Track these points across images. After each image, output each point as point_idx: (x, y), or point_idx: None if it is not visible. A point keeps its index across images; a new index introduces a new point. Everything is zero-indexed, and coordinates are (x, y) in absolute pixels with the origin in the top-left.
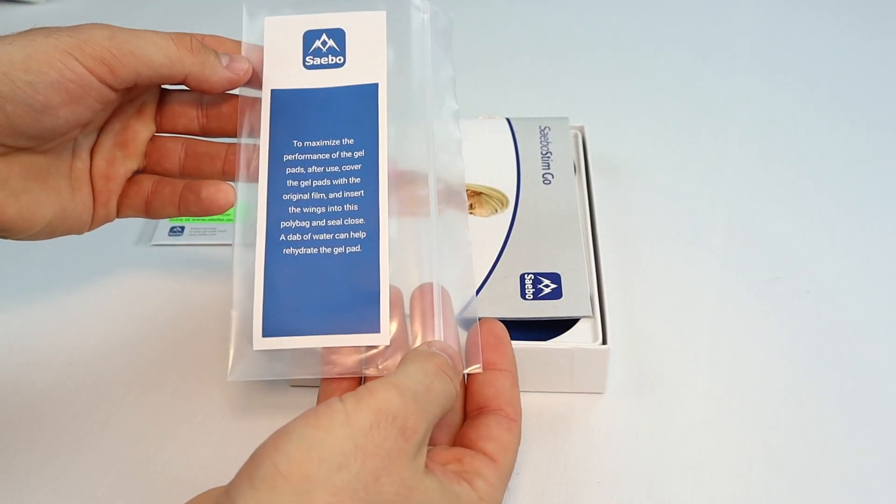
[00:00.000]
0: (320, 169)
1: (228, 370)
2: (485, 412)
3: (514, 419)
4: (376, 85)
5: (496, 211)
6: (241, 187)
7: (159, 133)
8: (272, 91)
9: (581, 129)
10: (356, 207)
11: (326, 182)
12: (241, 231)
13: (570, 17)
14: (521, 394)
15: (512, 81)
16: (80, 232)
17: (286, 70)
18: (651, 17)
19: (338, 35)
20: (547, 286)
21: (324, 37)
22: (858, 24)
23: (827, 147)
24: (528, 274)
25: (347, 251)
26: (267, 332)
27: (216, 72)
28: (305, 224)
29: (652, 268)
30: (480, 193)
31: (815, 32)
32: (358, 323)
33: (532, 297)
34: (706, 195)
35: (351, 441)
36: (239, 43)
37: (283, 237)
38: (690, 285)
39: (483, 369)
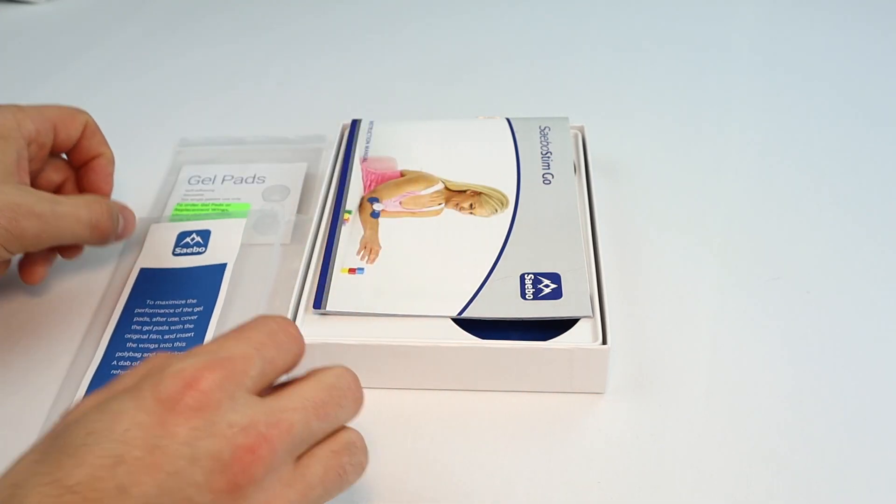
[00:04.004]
0: (163, 319)
1: None
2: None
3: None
4: (225, 264)
5: (496, 211)
6: (92, 331)
7: None
8: (140, 269)
9: (581, 129)
10: (184, 345)
11: (165, 328)
12: (72, 366)
13: (570, 16)
14: (522, 394)
15: (512, 81)
16: None
17: (157, 257)
18: (651, 17)
19: (204, 234)
20: (547, 286)
21: (193, 235)
22: (859, 23)
23: (827, 147)
24: (528, 274)
25: None
26: None
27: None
28: (138, 355)
29: (652, 268)
30: (480, 193)
31: (815, 32)
32: None
33: (532, 297)
34: (706, 195)
35: None
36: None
37: (115, 362)
38: (690, 285)
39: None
